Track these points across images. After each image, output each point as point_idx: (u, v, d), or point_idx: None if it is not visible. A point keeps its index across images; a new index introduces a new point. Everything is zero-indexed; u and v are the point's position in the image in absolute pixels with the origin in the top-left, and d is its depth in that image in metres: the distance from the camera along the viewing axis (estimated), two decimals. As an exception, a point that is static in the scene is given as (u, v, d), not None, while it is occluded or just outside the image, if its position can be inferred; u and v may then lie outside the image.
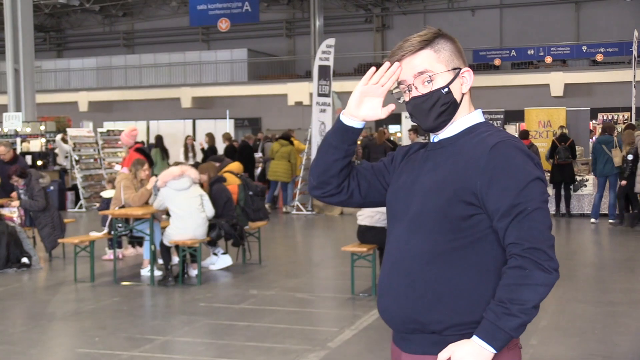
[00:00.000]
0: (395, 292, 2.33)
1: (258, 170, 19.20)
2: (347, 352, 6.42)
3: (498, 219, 2.20)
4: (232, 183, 10.50)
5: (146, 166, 10.37)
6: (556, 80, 28.70)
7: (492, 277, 2.24)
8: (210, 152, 18.70)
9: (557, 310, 7.77)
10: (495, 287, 2.21)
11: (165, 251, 9.37)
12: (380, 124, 29.95)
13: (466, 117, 2.38)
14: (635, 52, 18.48)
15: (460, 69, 2.38)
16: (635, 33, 18.59)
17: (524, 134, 16.51)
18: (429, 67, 2.36)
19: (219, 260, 10.28)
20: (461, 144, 2.34)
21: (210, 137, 19.63)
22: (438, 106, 2.35)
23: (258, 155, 19.78)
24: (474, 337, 2.17)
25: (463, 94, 2.37)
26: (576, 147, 16.20)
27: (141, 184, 10.22)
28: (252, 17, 31.94)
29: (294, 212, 17.65)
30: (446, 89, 2.34)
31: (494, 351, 2.15)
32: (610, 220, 14.54)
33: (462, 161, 2.28)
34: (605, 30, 31.95)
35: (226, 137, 19.13)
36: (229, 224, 9.89)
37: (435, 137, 2.44)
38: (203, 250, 9.79)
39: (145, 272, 9.81)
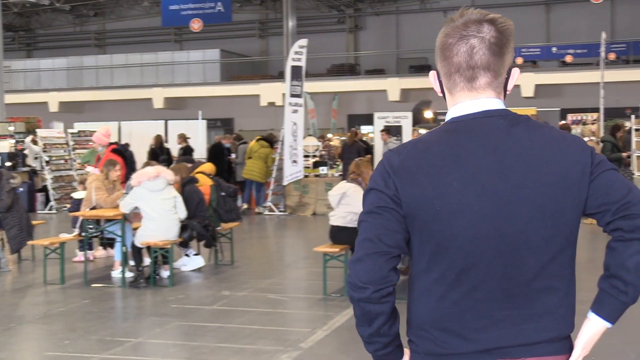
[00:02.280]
0: None
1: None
2: (319, 353, 6.43)
3: None
4: (204, 184, 10.47)
5: (118, 167, 10.31)
6: (527, 81, 28.91)
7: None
8: (187, 153, 18.57)
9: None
10: None
11: (137, 252, 9.32)
12: (353, 124, 30.06)
13: (448, 114, 2.17)
14: (603, 54, 18.69)
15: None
16: (603, 35, 18.79)
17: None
18: None
19: (191, 262, 10.25)
20: None
21: (182, 137, 19.52)
22: None
23: (232, 156, 19.75)
24: None
25: (442, 95, 2.22)
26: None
27: (113, 184, 10.16)
28: (224, 17, 31.83)
29: (267, 212, 17.63)
30: None
31: None
32: None
33: None
34: (574, 32, 32.25)
35: (181, 137, 18.97)
36: (201, 225, 9.86)
37: None
38: (175, 251, 9.75)
39: (116, 273, 9.75)
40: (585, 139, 15.98)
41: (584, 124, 18.30)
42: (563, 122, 16.93)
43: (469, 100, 2.07)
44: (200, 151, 20.09)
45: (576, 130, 17.15)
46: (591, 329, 2.01)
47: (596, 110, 18.53)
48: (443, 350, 2.02)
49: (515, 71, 2.12)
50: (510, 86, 2.13)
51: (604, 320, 2.00)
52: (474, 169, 1.97)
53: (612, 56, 26.76)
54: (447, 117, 2.12)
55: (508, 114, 2.07)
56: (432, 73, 2.17)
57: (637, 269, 1.92)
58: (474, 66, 2.04)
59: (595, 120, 18.24)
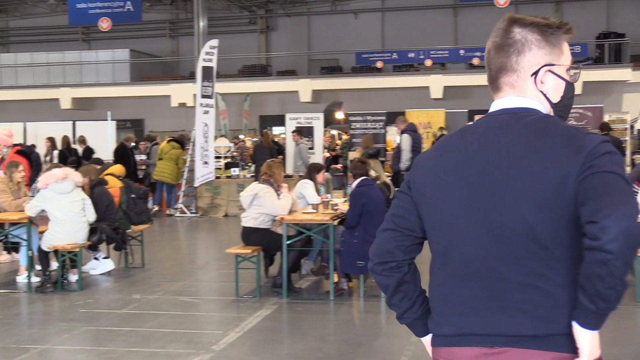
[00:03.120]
0: None
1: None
2: (232, 355, 6.41)
3: None
4: (114, 186, 10.29)
5: (21, 167, 10.02)
6: (436, 83, 29.46)
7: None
8: (87, 155, 18.15)
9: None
10: None
11: (44, 256, 9.09)
12: (265, 125, 30.03)
13: None
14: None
15: None
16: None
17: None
18: None
19: (100, 265, 10.07)
20: None
21: (81, 139, 19.07)
22: None
23: (141, 157, 19.45)
24: None
25: None
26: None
27: (18, 186, 9.88)
28: (134, 17, 31.32)
29: (178, 214, 17.46)
30: None
31: None
32: None
33: None
34: (481, 35, 32.81)
35: (64, 140, 18.57)
36: (110, 228, 9.70)
37: None
38: (83, 254, 9.55)
39: (21, 278, 9.48)
40: None
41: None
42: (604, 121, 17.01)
43: (507, 97, 2.19)
44: (110, 153, 19.71)
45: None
46: (583, 338, 1.97)
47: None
48: (435, 330, 2.21)
49: (544, 70, 2.16)
50: (548, 84, 2.18)
51: (584, 328, 1.96)
52: (460, 162, 2.12)
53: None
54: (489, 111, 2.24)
55: (529, 112, 2.13)
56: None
57: (594, 281, 1.88)
58: (491, 67, 2.21)
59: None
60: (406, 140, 14.87)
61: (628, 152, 17.71)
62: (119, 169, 11.19)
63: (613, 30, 31.34)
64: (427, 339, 2.30)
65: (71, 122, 23.01)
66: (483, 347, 2.06)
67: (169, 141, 18.06)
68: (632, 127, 20.12)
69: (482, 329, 2.06)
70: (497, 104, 2.18)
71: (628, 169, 16.42)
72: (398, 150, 15.10)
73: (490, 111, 2.19)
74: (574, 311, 1.97)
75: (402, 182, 2.31)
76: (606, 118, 17.91)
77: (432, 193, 2.17)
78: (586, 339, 1.96)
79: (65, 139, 18.67)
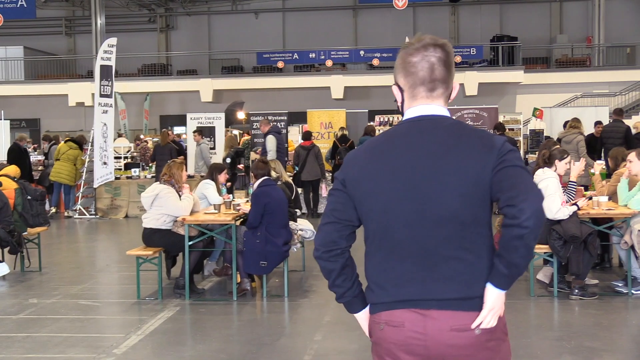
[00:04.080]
0: None
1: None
2: (134, 358, 6.34)
3: None
4: (8, 187, 9.99)
5: None
6: (336, 83, 29.76)
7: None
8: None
9: (339, 306, 8.07)
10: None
11: None
12: (166, 125, 29.68)
13: (404, 117, 2.72)
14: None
15: (395, 83, 2.72)
16: (407, 40, 19.65)
17: (307, 135, 17.00)
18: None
19: (-5, 270, 9.76)
20: None
21: None
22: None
23: (38, 158, 18.92)
24: None
25: (401, 103, 2.73)
26: (356, 147, 16.90)
27: None
28: (27, 13, 30.45)
29: (77, 216, 17.08)
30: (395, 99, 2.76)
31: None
32: None
33: None
34: (380, 36, 33.56)
35: None
36: (5, 231, 9.42)
37: None
38: (-24, 259, 9.24)
39: None
40: None
41: (391, 124, 19.12)
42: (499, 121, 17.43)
43: (425, 105, 2.64)
44: (3, 153, 19.09)
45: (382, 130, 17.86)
46: (491, 295, 2.50)
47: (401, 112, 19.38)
48: (375, 300, 2.64)
49: (457, 84, 2.70)
50: (452, 96, 2.70)
51: (496, 288, 2.50)
52: (392, 161, 2.57)
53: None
54: (405, 117, 2.68)
55: (444, 118, 2.63)
56: (395, 86, 2.72)
57: (511, 252, 2.43)
58: (434, 79, 2.61)
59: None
60: (271, 141, 15.63)
61: (522, 151, 18.33)
62: (13, 169, 10.84)
63: (506, 33, 32.41)
64: (361, 315, 2.76)
65: (-38, 121, 22.20)
66: (418, 309, 2.53)
67: (66, 141, 17.65)
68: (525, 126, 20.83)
69: (417, 296, 2.53)
70: (415, 111, 2.65)
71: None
72: (264, 150, 15.75)
73: (410, 117, 2.65)
74: (490, 276, 2.51)
75: (334, 181, 2.72)
76: (501, 118, 18.47)
77: (367, 187, 2.60)
78: (494, 296, 2.50)
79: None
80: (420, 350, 2.53)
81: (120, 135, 22.95)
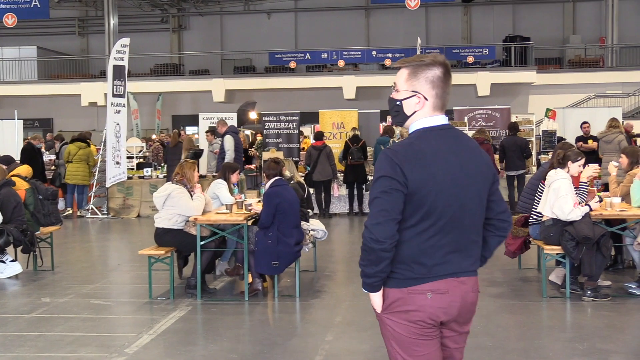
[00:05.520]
0: None
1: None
2: (145, 358, 6.35)
3: None
4: (20, 188, 10.03)
5: None
6: (348, 83, 29.74)
7: None
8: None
9: (350, 306, 8.10)
10: None
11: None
12: (177, 125, 29.74)
13: (419, 123, 3.24)
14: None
15: (417, 92, 3.21)
16: (419, 40, 19.69)
17: (319, 135, 16.99)
18: (397, 82, 3.28)
19: (7, 268, 9.80)
20: None
21: None
22: (392, 110, 3.32)
23: (50, 157, 18.99)
24: None
25: (415, 111, 3.22)
26: (367, 148, 16.87)
27: None
28: (41, 13, 30.58)
29: (89, 215, 17.14)
30: (399, 102, 3.26)
31: (365, 291, 3.25)
32: None
33: None
34: (392, 36, 33.53)
35: None
36: (18, 230, 9.46)
37: None
38: (-11, 258, 9.29)
39: None
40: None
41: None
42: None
43: (437, 116, 3.24)
44: (16, 153, 19.16)
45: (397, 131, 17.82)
46: None
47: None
48: (413, 275, 3.17)
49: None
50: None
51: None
52: (446, 163, 3.15)
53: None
54: (420, 126, 3.23)
55: (454, 127, 3.34)
56: (419, 96, 3.21)
57: (498, 243, 3.43)
58: (448, 94, 3.24)
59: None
60: (229, 142, 15.72)
61: (534, 152, 18.25)
62: (25, 169, 10.87)
63: (519, 34, 32.29)
64: (380, 293, 3.23)
65: (-24, 121, 22.32)
66: (457, 278, 3.21)
67: (72, 141, 17.60)
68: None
69: (457, 269, 3.21)
70: (440, 120, 3.24)
71: (534, 169, 16.95)
72: (222, 151, 15.82)
73: (437, 124, 3.23)
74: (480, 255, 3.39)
75: (384, 180, 3.10)
76: (513, 119, 18.41)
77: (428, 186, 3.10)
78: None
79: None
80: (454, 311, 3.21)
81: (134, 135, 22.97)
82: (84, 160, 17.27)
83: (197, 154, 17.15)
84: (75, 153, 17.19)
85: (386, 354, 3.40)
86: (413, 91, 3.20)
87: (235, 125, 19.61)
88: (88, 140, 17.89)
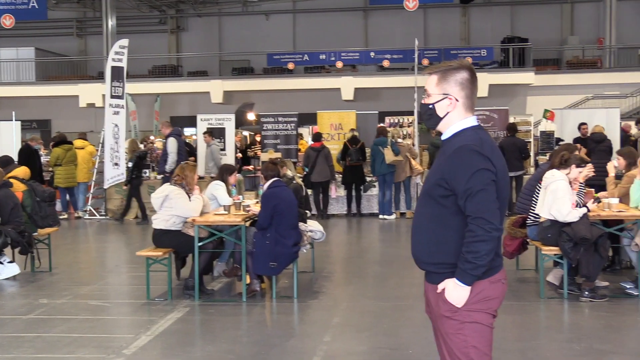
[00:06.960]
0: (413, 241, 3.59)
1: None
2: (143, 359, 6.35)
3: (459, 199, 3.32)
4: (17, 189, 10.02)
5: None
6: (347, 85, 29.72)
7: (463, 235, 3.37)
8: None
9: (348, 307, 8.11)
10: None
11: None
12: (175, 126, 29.65)
13: (457, 124, 3.44)
14: (416, 59, 19.58)
15: (448, 94, 3.43)
16: (416, 42, 19.70)
17: (317, 137, 17.00)
18: (428, 88, 3.48)
19: (5, 269, 9.81)
20: (448, 145, 3.44)
21: None
22: (425, 114, 3.52)
23: (47, 159, 18.96)
24: (454, 277, 3.34)
25: (448, 112, 3.44)
26: (366, 149, 16.87)
27: None
28: (39, 14, 30.57)
29: (87, 217, 17.12)
30: (431, 105, 3.46)
31: (465, 285, 3.32)
32: (383, 216, 16.08)
33: (443, 158, 3.41)
34: (390, 37, 33.52)
35: None
36: (16, 231, 9.45)
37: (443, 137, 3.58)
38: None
39: None
40: (400, 140, 16.80)
41: (400, 126, 19.09)
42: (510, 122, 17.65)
43: (472, 117, 3.49)
44: (14, 154, 19.12)
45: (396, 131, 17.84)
46: None
47: (411, 113, 19.37)
48: (495, 264, 3.41)
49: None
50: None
51: None
52: (500, 156, 3.42)
53: (425, 62, 28.04)
54: (465, 126, 3.44)
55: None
56: (450, 97, 3.43)
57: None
58: (476, 95, 3.49)
59: (410, 123, 19.07)
60: (172, 144, 15.65)
61: (532, 153, 18.26)
62: (22, 171, 10.85)
63: (517, 35, 32.29)
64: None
65: (-27, 122, 22.26)
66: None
67: (57, 144, 17.29)
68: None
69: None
70: (475, 120, 3.48)
71: (532, 170, 16.96)
72: (165, 153, 15.77)
73: (474, 125, 3.46)
74: None
75: (488, 173, 3.32)
76: (511, 120, 18.41)
77: (501, 176, 3.38)
78: None
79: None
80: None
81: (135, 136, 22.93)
82: (72, 162, 17.12)
83: (141, 157, 16.90)
84: (63, 157, 16.95)
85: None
86: (444, 94, 3.42)
87: (234, 125, 19.61)
88: (66, 139, 17.52)
